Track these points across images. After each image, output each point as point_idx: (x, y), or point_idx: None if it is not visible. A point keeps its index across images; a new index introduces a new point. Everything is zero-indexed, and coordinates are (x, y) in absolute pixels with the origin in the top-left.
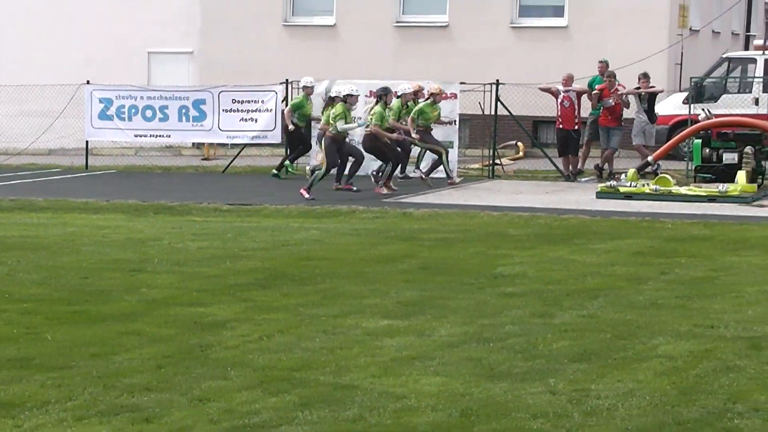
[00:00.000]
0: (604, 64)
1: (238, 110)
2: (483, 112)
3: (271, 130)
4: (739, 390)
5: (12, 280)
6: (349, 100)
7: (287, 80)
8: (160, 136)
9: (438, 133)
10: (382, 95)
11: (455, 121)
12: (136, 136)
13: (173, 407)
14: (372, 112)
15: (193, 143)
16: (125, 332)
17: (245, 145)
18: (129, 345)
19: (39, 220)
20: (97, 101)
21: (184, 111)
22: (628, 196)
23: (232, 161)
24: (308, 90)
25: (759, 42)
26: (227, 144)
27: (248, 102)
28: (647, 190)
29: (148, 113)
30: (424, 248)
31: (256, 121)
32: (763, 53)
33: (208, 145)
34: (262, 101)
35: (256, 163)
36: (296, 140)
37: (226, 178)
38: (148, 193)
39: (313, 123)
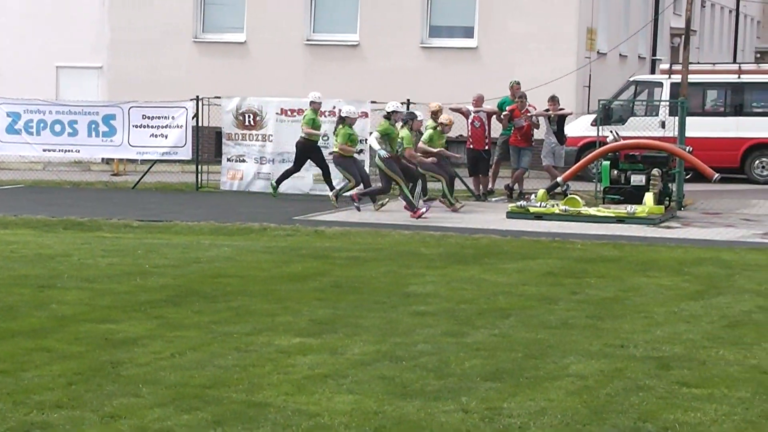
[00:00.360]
0: (517, 85)
1: (148, 126)
2: None
3: (182, 147)
4: (649, 409)
5: None
6: (393, 116)
7: (198, 96)
8: (69, 151)
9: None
10: (408, 120)
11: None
12: (44, 150)
13: (84, 424)
14: (400, 137)
15: (103, 159)
16: (35, 349)
17: (155, 161)
18: (39, 361)
19: None
20: (5, 115)
21: (93, 126)
22: (539, 216)
23: (142, 177)
24: (315, 105)
25: (665, 66)
26: (137, 160)
27: (158, 118)
28: (557, 211)
29: (57, 128)
30: (336, 266)
31: (166, 137)
32: (669, 77)
33: (117, 161)
34: (173, 117)
35: (166, 179)
36: (313, 157)
37: (136, 194)
38: (57, 209)
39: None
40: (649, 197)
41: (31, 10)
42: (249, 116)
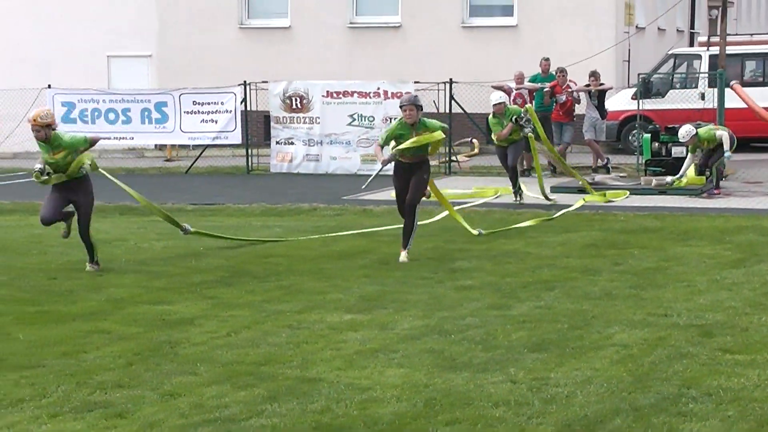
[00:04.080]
0: (547, 63)
1: (198, 112)
2: (438, 110)
3: (232, 131)
4: (692, 376)
5: None
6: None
7: (245, 81)
8: (123, 138)
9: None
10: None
11: None
12: (100, 136)
13: (144, 403)
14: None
15: (156, 145)
16: (94, 331)
17: (206, 146)
18: (98, 343)
19: (6, 223)
20: (60, 105)
21: (146, 113)
22: (582, 190)
23: (194, 162)
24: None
25: (703, 38)
26: (189, 145)
27: (208, 104)
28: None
29: (111, 116)
30: (383, 244)
31: (216, 122)
32: (707, 49)
33: (170, 147)
34: (222, 102)
35: (217, 163)
36: None
37: (189, 179)
38: (113, 195)
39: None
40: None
41: (88, 7)
42: (296, 99)
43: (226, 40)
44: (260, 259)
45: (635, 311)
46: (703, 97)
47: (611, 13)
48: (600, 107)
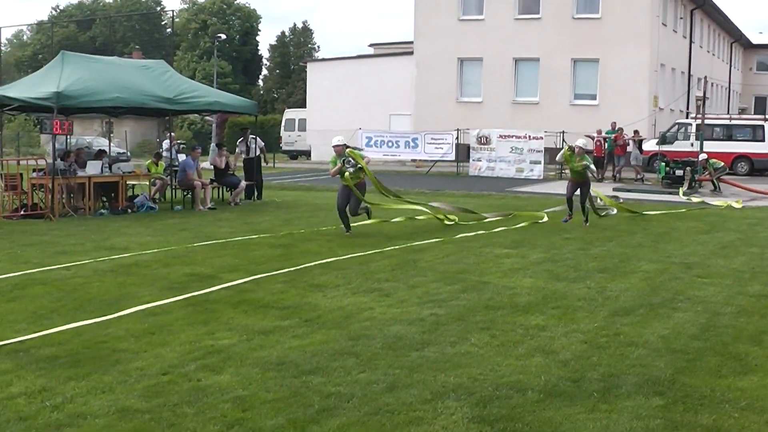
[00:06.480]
0: (614, 124)
1: (433, 142)
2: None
3: (450, 153)
4: (680, 289)
5: (291, 219)
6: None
7: (458, 129)
8: (395, 155)
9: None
10: None
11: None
12: (383, 155)
13: (398, 290)
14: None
15: (412, 159)
16: (371, 252)
17: (436, 161)
18: (378, 258)
19: (306, 193)
20: (365, 138)
21: (407, 143)
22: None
23: (430, 168)
24: None
25: (692, 115)
26: (428, 160)
27: (438, 139)
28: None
29: (390, 144)
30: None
31: (442, 148)
32: (695, 120)
33: (419, 160)
34: (445, 138)
35: (441, 170)
36: None
37: (427, 177)
38: (387, 183)
39: None
40: (686, 182)
41: (380, 87)
42: (483, 138)
43: (450, 108)
44: (465, 225)
45: (653, 254)
46: (692, 144)
47: (646, 101)
48: (639, 148)
